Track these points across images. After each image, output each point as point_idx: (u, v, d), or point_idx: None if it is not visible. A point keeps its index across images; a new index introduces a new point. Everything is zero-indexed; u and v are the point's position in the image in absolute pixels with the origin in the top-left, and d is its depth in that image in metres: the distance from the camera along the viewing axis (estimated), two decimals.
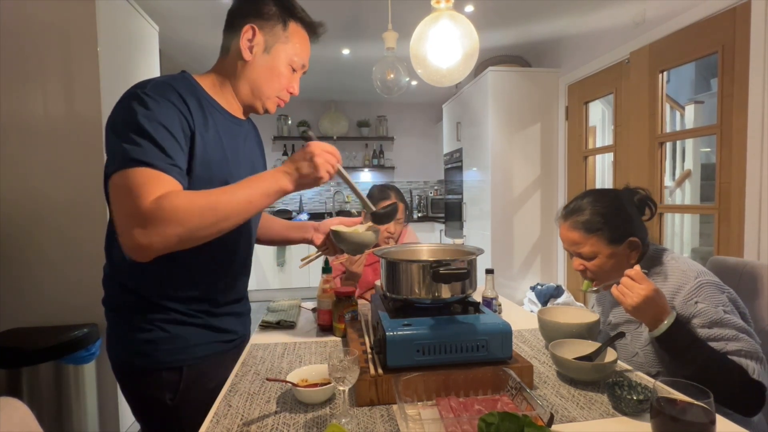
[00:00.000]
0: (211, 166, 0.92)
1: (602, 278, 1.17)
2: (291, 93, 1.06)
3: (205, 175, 0.91)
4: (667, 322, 0.97)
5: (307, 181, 0.88)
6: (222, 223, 0.81)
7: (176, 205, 0.76)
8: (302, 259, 1.28)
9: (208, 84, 0.99)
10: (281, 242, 1.35)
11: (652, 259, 1.17)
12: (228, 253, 1.03)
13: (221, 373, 1.03)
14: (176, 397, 0.96)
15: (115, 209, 0.80)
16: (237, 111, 1.04)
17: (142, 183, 0.77)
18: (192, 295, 0.97)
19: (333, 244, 1.26)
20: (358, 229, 1.20)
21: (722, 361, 0.96)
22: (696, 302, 1.03)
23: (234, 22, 0.98)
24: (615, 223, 1.15)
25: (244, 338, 1.17)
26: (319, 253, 1.30)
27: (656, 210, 1.22)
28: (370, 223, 1.22)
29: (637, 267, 1.01)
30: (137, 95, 0.84)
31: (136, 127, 0.80)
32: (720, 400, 0.95)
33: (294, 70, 1.03)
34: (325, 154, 0.89)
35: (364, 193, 1.11)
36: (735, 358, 0.96)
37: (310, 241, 1.30)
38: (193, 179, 0.89)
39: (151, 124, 0.81)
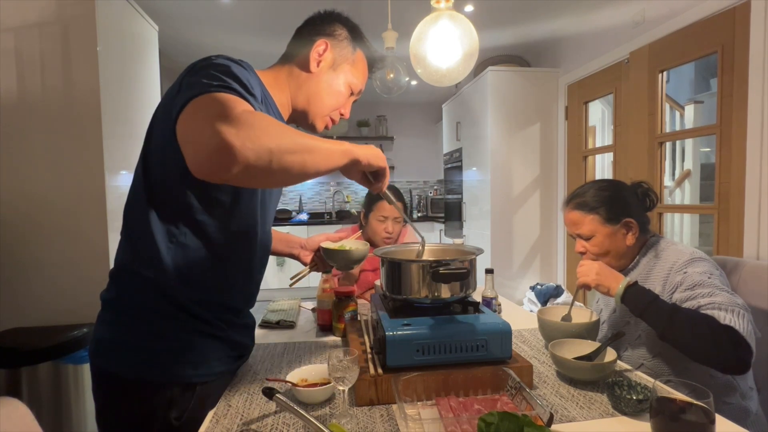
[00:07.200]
0: None
1: (601, 259, 1.24)
2: (342, 115, 1.07)
3: None
4: (623, 284, 1.08)
5: (373, 166, 0.86)
6: (307, 157, 0.73)
7: (269, 119, 0.69)
8: (291, 278, 1.26)
9: (266, 81, 0.97)
10: None
11: (651, 245, 1.25)
12: (265, 252, 1.01)
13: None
14: (183, 416, 0.85)
15: (189, 123, 0.68)
16: (285, 116, 1.03)
17: (229, 99, 0.69)
18: (222, 300, 0.90)
19: (323, 260, 1.25)
20: (345, 244, 1.20)
21: (689, 312, 1.00)
22: (685, 271, 1.10)
23: (305, 33, 1.00)
24: (612, 203, 1.23)
25: (249, 353, 1.11)
26: (309, 270, 1.28)
27: (657, 200, 1.29)
28: (357, 236, 1.22)
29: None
30: (226, 58, 0.81)
31: (224, 70, 0.76)
32: (696, 355, 0.99)
33: (352, 93, 1.06)
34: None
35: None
36: (707, 311, 1.00)
37: (297, 258, 1.27)
38: None
39: (240, 74, 0.77)
